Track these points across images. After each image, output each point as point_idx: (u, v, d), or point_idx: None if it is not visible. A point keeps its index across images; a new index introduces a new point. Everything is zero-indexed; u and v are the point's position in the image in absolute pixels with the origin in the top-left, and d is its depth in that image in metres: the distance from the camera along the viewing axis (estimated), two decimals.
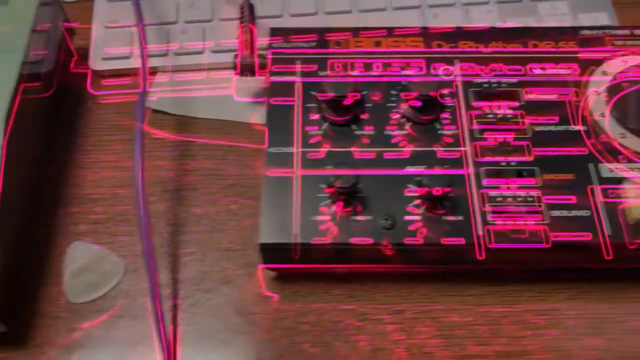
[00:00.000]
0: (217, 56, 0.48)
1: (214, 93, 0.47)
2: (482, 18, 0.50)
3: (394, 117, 0.39)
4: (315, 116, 0.40)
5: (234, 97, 0.46)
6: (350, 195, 0.36)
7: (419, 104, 0.38)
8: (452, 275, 0.39)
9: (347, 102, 0.38)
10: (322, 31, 0.43)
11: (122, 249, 0.40)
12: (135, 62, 0.48)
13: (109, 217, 0.42)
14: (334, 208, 0.36)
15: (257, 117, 0.45)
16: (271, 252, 0.36)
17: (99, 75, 0.48)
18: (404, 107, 0.40)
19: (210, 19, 0.49)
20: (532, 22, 0.49)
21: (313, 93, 0.40)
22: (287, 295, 0.39)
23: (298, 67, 0.41)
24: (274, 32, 0.43)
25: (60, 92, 0.47)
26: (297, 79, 0.41)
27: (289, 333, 0.37)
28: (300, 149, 0.38)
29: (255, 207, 0.43)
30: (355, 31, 0.43)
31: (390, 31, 0.42)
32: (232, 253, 0.40)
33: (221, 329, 0.38)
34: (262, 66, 0.44)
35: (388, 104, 0.40)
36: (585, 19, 0.49)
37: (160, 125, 0.46)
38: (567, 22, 0.48)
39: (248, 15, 0.44)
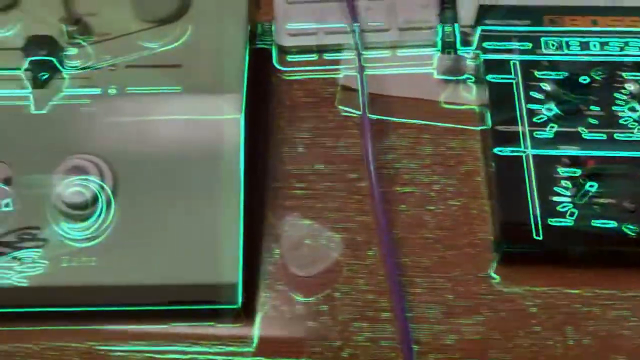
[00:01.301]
0: (403, 33, 0.47)
1: (407, 70, 0.46)
2: None
3: (621, 97, 0.38)
4: (539, 94, 0.39)
5: (432, 74, 0.45)
6: (595, 177, 0.35)
7: None
8: None
9: (582, 81, 0.37)
10: (532, 9, 0.42)
11: (333, 225, 0.40)
12: (321, 39, 0.47)
13: (313, 193, 0.41)
14: (574, 189, 0.36)
15: (457, 95, 0.44)
16: (510, 232, 0.35)
17: (284, 51, 0.48)
18: (631, 87, 0.39)
19: None
20: None
21: (533, 70, 0.39)
22: (510, 277, 0.38)
23: (514, 44, 0.41)
24: (483, 9, 0.42)
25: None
26: (513, 56, 0.40)
27: (518, 315, 0.37)
28: (528, 128, 0.38)
29: (458, 187, 0.42)
30: (570, 10, 0.41)
31: (607, 10, 0.41)
32: (445, 233, 0.40)
33: (444, 307, 0.37)
34: (466, 43, 0.43)
35: (614, 84, 0.39)
36: None
37: (349, 103, 0.45)
38: None
39: None
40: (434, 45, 0.45)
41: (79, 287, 0.33)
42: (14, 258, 0.33)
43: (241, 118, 0.36)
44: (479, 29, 0.42)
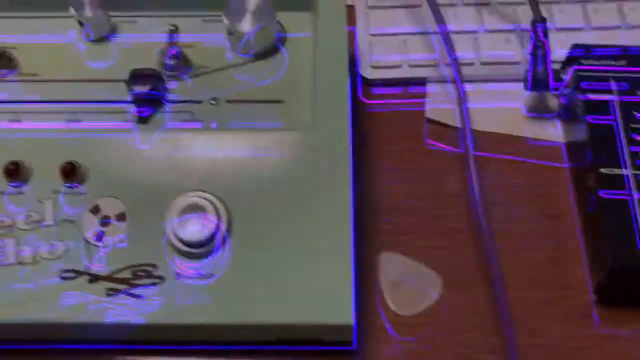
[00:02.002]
0: (487, 68, 0.47)
1: (491, 105, 0.46)
2: None
3: None
4: None
5: (518, 110, 0.45)
6: None
7: None
8: None
9: None
10: (628, 49, 0.42)
11: (433, 263, 0.40)
12: (406, 72, 0.47)
13: (409, 229, 0.41)
14: None
15: (544, 132, 0.44)
16: (619, 278, 0.35)
17: (368, 83, 0.48)
18: None
19: (476, 31, 0.49)
20: None
21: (634, 112, 0.39)
22: (612, 319, 0.38)
23: (612, 85, 0.41)
24: (577, 48, 0.42)
25: None
26: (613, 97, 0.40)
27: (623, 358, 0.37)
28: (631, 171, 0.38)
29: (550, 225, 0.42)
30: None
31: None
32: (540, 272, 0.40)
33: (547, 349, 0.37)
34: (556, 81, 0.43)
35: None
36: None
37: (435, 137, 0.46)
38: None
39: (542, 29, 0.44)
40: (520, 80, 0.45)
41: (194, 325, 0.33)
42: (130, 295, 0.33)
43: (350, 154, 0.36)
44: (572, 68, 0.42)
